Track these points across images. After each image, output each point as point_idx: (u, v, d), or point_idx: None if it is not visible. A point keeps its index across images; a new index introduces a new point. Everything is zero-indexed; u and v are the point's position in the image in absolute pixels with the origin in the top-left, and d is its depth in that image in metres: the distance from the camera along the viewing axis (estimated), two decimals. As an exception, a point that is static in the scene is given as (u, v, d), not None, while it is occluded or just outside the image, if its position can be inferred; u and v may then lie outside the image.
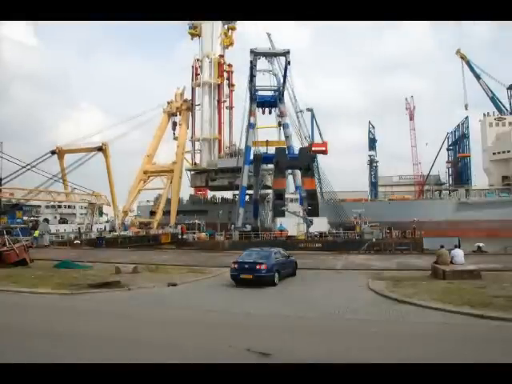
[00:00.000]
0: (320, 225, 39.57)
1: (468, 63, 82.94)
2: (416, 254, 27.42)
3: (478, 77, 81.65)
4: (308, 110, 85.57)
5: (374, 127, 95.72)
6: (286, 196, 46.95)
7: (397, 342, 7.43)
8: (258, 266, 14.05)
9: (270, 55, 55.28)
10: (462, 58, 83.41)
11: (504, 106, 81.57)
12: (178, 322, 9.35)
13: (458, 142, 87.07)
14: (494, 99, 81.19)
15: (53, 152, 56.03)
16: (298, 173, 49.93)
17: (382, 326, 8.77)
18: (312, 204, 41.14)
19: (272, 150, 53.92)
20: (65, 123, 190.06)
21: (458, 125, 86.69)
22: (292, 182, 59.44)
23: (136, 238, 53.76)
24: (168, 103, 72.09)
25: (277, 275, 14.44)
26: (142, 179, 69.58)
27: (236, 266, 14.45)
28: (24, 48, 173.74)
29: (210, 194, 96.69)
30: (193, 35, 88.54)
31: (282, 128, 56.89)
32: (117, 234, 53.70)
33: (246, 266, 14.29)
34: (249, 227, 44.73)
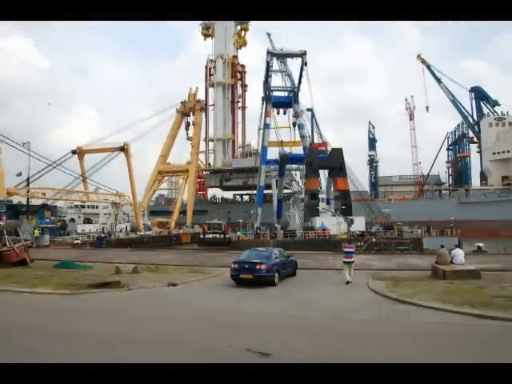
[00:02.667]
0: (359, 224, 39.80)
1: (428, 67, 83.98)
2: (416, 253, 27.44)
3: (438, 80, 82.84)
4: (308, 109, 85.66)
5: (374, 127, 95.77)
6: (300, 197, 47.33)
7: (397, 342, 7.43)
8: (258, 266, 14.03)
9: (287, 56, 55.19)
10: (423, 62, 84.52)
11: (464, 108, 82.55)
12: (178, 322, 9.34)
13: (458, 142, 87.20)
14: (455, 102, 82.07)
15: (73, 152, 56.33)
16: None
17: (382, 325, 8.77)
18: (345, 204, 41.53)
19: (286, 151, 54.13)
20: (58, 127, 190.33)
21: (458, 125, 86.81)
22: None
23: (160, 238, 54.05)
24: (181, 103, 72.00)
25: (277, 275, 14.42)
26: (157, 179, 69.39)
27: (236, 266, 14.44)
28: (19, 52, 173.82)
29: (209, 194, 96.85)
30: (206, 35, 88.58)
31: (296, 128, 56.94)
32: (142, 233, 53.84)
33: (246, 265, 14.27)
34: (278, 226, 44.62)
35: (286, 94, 56.12)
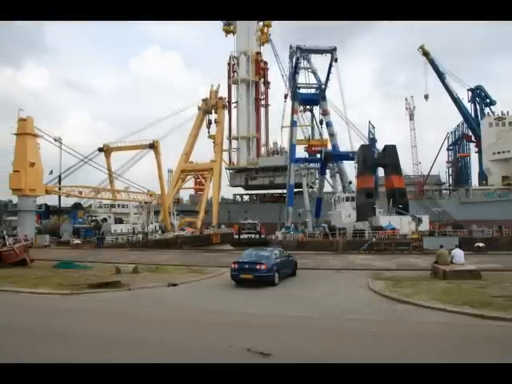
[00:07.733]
0: (424, 223, 39.23)
1: (432, 61, 79.32)
2: (416, 253, 27.45)
3: (441, 76, 78.65)
4: (308, 110, 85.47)
5: (374, 127, 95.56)
6: (344, 195, 46.18)
7: (397, 342, 7.43)
8: (257, 266, 14.03)
9: (316, 52, 53.90)
10: (426, 54, 79.27)
11: (465, 107, 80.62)
12: (178, 322, 9.34)
13: (458, 142, 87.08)
14: (457, 100, 79.55)
15: (100, 149, 55.59)
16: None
17: (382, 326, 8.76)
18: (402, 202, 40.89)
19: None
20: (55, 129, 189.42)
21: (458, 125, 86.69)
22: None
23: (192, 239, 53.57)
24: (203, 101, 70.67)
25: (277, 275, 14.42)
26: (180, 178, 68.48)
27: (236, 265, 14.44)
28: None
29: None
30: (227, 32, 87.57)
31: (323, 126, 56.36)
32: (176, 234, 53.38)
33: (246, 265, 14.28)
34: (325, 225, 43.34)
35: (312, 91, 55.06)
